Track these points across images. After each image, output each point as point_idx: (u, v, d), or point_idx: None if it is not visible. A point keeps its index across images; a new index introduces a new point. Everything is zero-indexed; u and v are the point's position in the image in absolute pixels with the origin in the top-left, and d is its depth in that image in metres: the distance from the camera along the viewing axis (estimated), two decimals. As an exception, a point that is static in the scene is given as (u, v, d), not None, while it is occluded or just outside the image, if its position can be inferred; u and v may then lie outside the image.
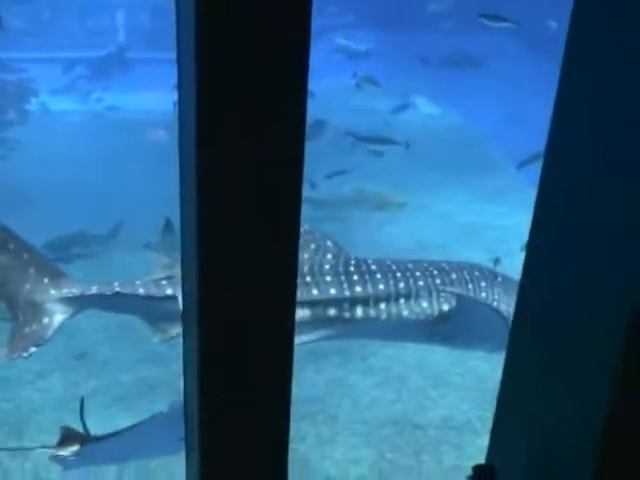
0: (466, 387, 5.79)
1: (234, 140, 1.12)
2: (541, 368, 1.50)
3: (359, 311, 4.17)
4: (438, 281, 4.27)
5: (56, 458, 3.68)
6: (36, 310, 3.69)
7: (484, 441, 1.68)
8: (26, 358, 3.71)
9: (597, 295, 1.29)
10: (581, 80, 1.32)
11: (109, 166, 9.86)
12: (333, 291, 4.15)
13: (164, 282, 3.93)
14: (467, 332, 4.16)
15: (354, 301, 4.16)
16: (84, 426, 3.78)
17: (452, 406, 5.60)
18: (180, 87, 1.21)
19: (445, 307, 4.21)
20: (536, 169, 1.47)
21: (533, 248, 1.50)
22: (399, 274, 4.26)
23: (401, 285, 4.22)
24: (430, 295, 4.23)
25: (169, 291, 3.89)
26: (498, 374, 1.66)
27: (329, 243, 4.39)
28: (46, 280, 3.74)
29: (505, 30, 10.85)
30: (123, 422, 4.93)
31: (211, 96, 1.09)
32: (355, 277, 4.21)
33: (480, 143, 11.78)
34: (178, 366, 1.44)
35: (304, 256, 4.24)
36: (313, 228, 4.47)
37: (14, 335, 3.68)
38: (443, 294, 4.23)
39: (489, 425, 1.68)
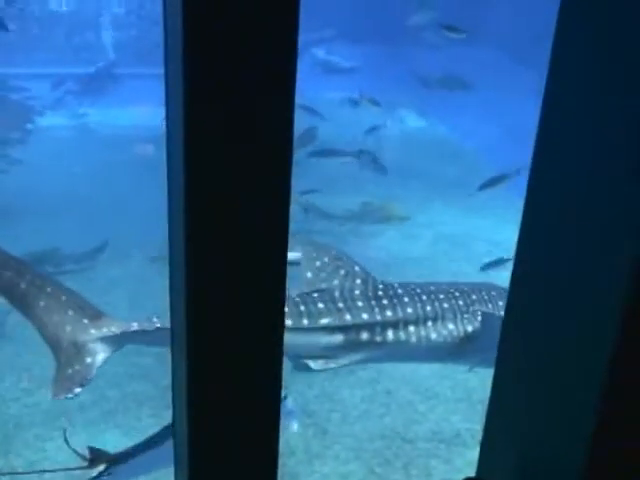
0: (455, 400, 5.79)
1: (222, 152, 1.13)
2: (531, 380, 1.50)
3: (390, 335, 4.29)
4: (461, 302, 4.42)
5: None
6: (78, 351, 3.74)
7: (474, 454, 1.68)
8: (71, 399, 3.76)
9: (586, 304, 1.30)
10: (567, 89, 1.34)
11: (95, 181, 9.84)
12: (365, 316, 4.26)
13: None
14: (490, 350, 4.28)
15: (385, 325, 4.29)
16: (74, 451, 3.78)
17: (441, 419, 5.59)
18: (167, 102, 1.22)
19: (469, 328, 4.36)
20: (524, 180, 1.48)
21: (521, 258, 1.51)
22: (425, 297, 4.40)
23: (428, 308, 4.36)
24: (455, 317, 4.38)
25: None
26: (487, 386, 1.66)
27: (357, 268, 4.50)
28: (86, 321, 3.79)
29: (490, 42, 10.97)
30: (111, 438, 4.91)
31: (198, 109, 1.10)
32: (385, 301, 4.34)
33: (467, 155, 11.84)
34: (167, 381, 1.44)
35: (334, 282, 4.37)
36: (340, 253, 4.62)
37: (58, 376, 3.73)
38: (466, 315, 4.39)
39: (479, 438, 1.68)
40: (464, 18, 10.32)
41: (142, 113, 11.66)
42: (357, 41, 14.48)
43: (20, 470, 4.87)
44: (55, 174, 9.92)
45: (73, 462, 4.91)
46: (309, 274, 4.44)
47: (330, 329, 4.20)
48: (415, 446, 5.27)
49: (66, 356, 3.74)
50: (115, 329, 3.84)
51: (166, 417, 5.13)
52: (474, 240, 9.03)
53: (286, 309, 4.38)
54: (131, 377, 5.96)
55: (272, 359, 1.30)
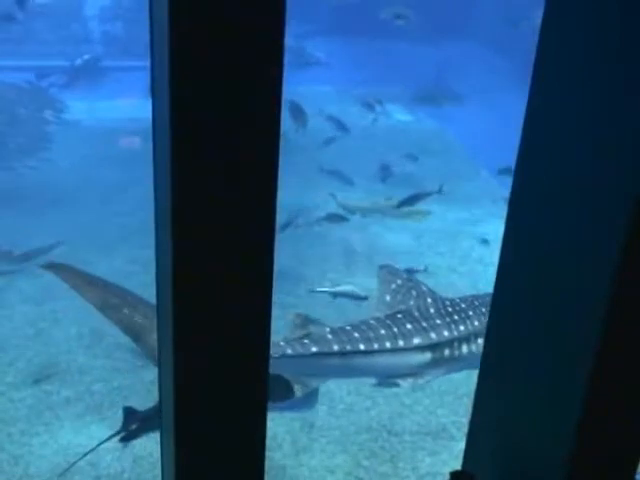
0: (441, 393, 5.81)
1: (208, 145, 1.12)
2: (516, 375, 1.51)
3: (465, 348, 4.58)
4: None
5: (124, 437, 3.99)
6: None
7: (460, 447, 1.69)
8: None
9: (570, 297, 1.31)
10: (551, 86, 1.34)
11: (80, 174, 9.78)
12: (446, 333, 4.53)
13: (306, 341, 4.30)
14: None
15: (461, 340, 4.56)
16: None
17: (428, 412, 5.61)
18: (154, 93, 1.21)
19: None
20: (509, 175, 1.49)
21: (507, 250, 1.52)
22: (483, 309, 4.64)
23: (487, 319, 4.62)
24: None
25: (314, 349, 4.24)
26: (473, 380, 1.66)
27: (424, 288, 4.80)
28: None
29: (471, 36, 11.08)
30: (97, 432, 4.89)
31: (185, 101, 1.09)
32: (455, 317, 4.60)
33: (453, 149, 11.84)
34: (152, 375, 1.43)
35: (410, 303, 4.67)
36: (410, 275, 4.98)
37: None
38: None
39: (465, 431, 1.68)
40: (445, 11, 10.41)
41: (130, 105, 11.58)
42: (337, 34, 14.44)
43: (5, 464, 4.85)
44: (38, 168, 9.82)
45: (59, 457, 4.92)
46: (387, 297, 4.73)
47: (421, 348, 4.46)
48: (402, 439, 5.28)
49: None
50: None
51: (152, 411, 5.08)
52: (459, 234, 9.05)
53: (383, 332, 4.59)
54: (117, 371, 5.94)
55: (259, 352, 1.30)
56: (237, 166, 1.15)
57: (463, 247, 8.59)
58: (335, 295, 6.05)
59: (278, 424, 5.25)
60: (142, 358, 5.88)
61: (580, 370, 1.27)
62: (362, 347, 4.24)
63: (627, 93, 1.15)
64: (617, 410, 1.31)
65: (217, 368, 1.28)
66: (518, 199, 1.46)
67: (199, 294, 1.21)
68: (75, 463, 4.68)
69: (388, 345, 4.30)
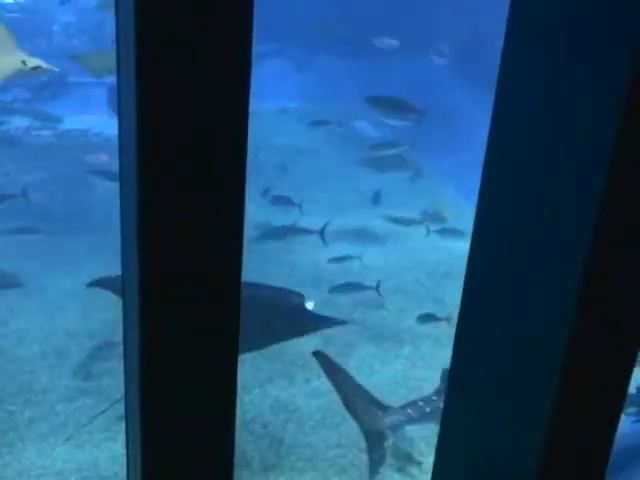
0: (410, 408, 5.80)
1: (175, 158, 1.12)
2: (484, 390, 1.52)
3: None
4: None
5: None
6: (380, 437, 4.75)
7: (429, 462, 1.69)
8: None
9: (537, 314, 1.32)
10: (516, 92, 1.36)
11: (41, 192, 9.67)
12: None
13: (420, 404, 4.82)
14: None
15: None
16: None
17: (396, 427, 5.61)
18: (120, 110, 1.20)
19: None
20: (476, 187, 1.51)
21: (472, 268, 1.53)
22: None
23: None
24: None
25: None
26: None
27: None
28: (380, 413, 4.77)
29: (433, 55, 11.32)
30: (62, 453, 4.81)
31: (151, 117, 1.08)
32: None
33: (418, 163, 11.92)
34: (118, 395, 1.41)
35: None
36: None
37: (373, 460, 4.74)
38: None
39: (434, 444, 1.69)
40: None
41: (96, 121, 11.50)
42: (302, 51, 14.49)
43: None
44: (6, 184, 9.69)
45: (22, 479, 4.82)
46: None
47: None
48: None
49: (372, 442, 4.74)
50: (399, 416, 4.74)
51: (117, 431, 5.05)
52: (426, 250, 9.10)
53: None
54: (82, 392, 5.85)
55: (227, 367, 1.29)
56: (205, 179, 1.14)
57: (430, 262, 8.62)
58: None
59: (247, 441, 5.21)
60: (106, 378, 5.83)
61: (547, 384, 1.28)
62: None
63: (590, 95, 1.17)
64: (584, 424, 1.32)
65: (184, 384, 1.27)
66: (486, 205, 1.47)
67: (168, 301, 1.21)
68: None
69: None
